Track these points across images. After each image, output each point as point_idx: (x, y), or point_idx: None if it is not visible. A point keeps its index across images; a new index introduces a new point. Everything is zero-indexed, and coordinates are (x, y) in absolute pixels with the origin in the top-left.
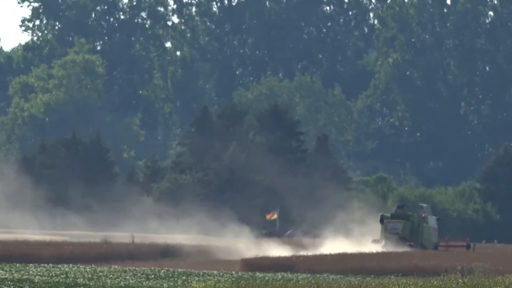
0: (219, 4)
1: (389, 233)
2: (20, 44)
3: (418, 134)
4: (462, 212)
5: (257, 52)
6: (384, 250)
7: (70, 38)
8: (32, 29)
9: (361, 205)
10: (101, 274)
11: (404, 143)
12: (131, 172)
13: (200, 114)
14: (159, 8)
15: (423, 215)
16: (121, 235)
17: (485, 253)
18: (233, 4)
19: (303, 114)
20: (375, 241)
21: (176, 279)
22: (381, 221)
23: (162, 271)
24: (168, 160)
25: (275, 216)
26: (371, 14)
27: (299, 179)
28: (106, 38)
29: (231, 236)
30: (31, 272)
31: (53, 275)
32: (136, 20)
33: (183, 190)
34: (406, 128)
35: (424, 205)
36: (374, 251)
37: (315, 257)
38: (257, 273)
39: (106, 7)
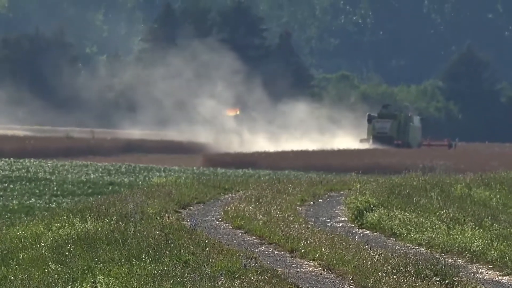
0: None
1: (377, 132)
2: None
3: (381, 32)
4: (424, 110)
5: None
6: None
7: None
8: None
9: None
10: (62, 169)
11: (367, 41)
12: (93, 67)
13: (163, 9)
14: None
15: (409, 114)
16: (82, 130)
17: (447, 151)
18: None
19: (266, 11)
20: (363, 140)
21: (137, 174)
22: (369, 120)
23: (124, 167)
24: (130, 55)
25: (237, 112)
26: None
27: (262, 76)
28: None
29: (194, 132)
30: None
31: (15, 169)
32: None
33: (145, 86)
34: (369, 26)
35: (408, 104)
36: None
37: (277, 153)
38: (219, 169)
39: None
